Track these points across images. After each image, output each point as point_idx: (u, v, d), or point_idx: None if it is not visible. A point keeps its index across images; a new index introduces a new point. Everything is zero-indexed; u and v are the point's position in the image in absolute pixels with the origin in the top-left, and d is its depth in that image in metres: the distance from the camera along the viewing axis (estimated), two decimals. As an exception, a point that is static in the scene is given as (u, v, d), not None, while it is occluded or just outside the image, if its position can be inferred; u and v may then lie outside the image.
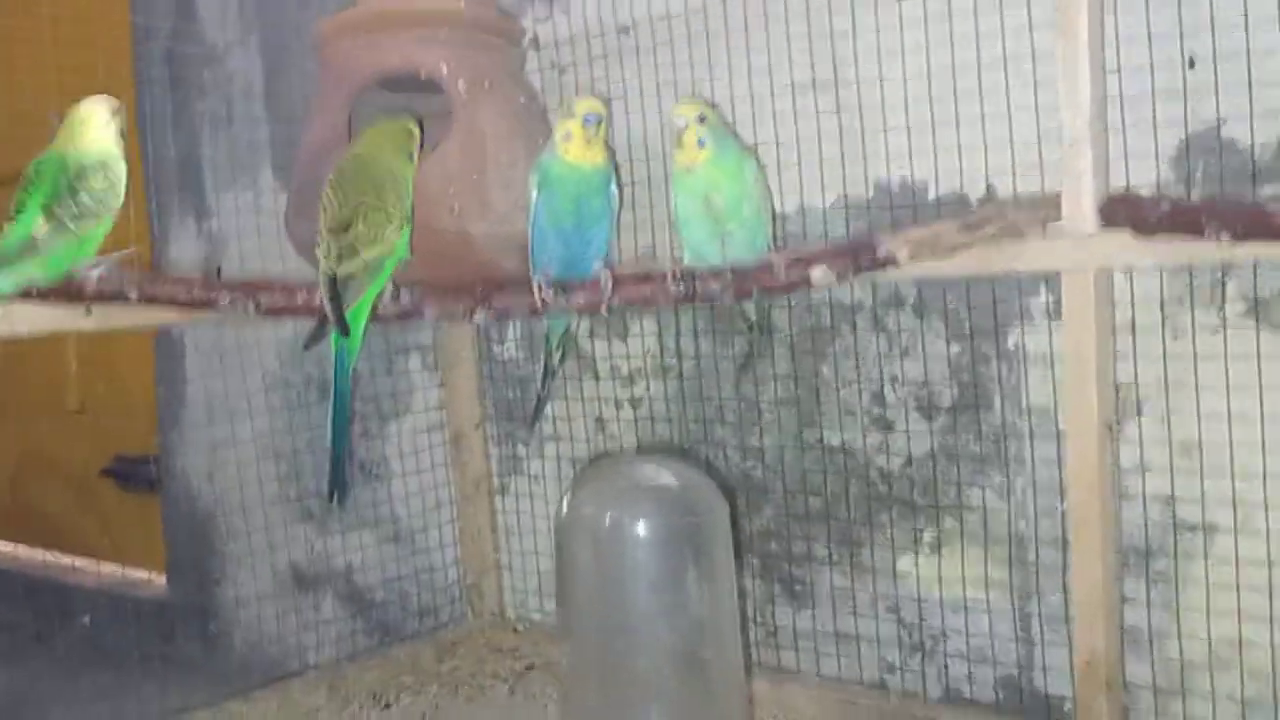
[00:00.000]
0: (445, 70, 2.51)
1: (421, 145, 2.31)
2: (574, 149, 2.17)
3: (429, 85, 2.55)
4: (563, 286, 2.15)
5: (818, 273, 2.11)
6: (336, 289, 2.03)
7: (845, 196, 2.54)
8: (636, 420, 2.94)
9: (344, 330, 2.02)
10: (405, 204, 2.16)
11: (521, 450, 3.16)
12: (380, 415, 3.57)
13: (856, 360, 2.57)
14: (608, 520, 2.00)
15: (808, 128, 2.56)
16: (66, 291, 2.10)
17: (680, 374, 2.84)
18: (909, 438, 2.51)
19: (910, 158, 2.42)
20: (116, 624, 4.32)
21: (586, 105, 2.16)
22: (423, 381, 3.42)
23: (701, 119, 2.15)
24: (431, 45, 2.52)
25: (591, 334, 3.00)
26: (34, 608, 4.48)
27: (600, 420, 3.00)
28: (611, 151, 2.28)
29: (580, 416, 3.03)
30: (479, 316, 2.14)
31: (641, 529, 2.00)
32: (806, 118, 2.56)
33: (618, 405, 2.98)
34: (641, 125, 2.78)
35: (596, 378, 3.01)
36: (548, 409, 3.06)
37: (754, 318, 2.41)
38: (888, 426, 2.54)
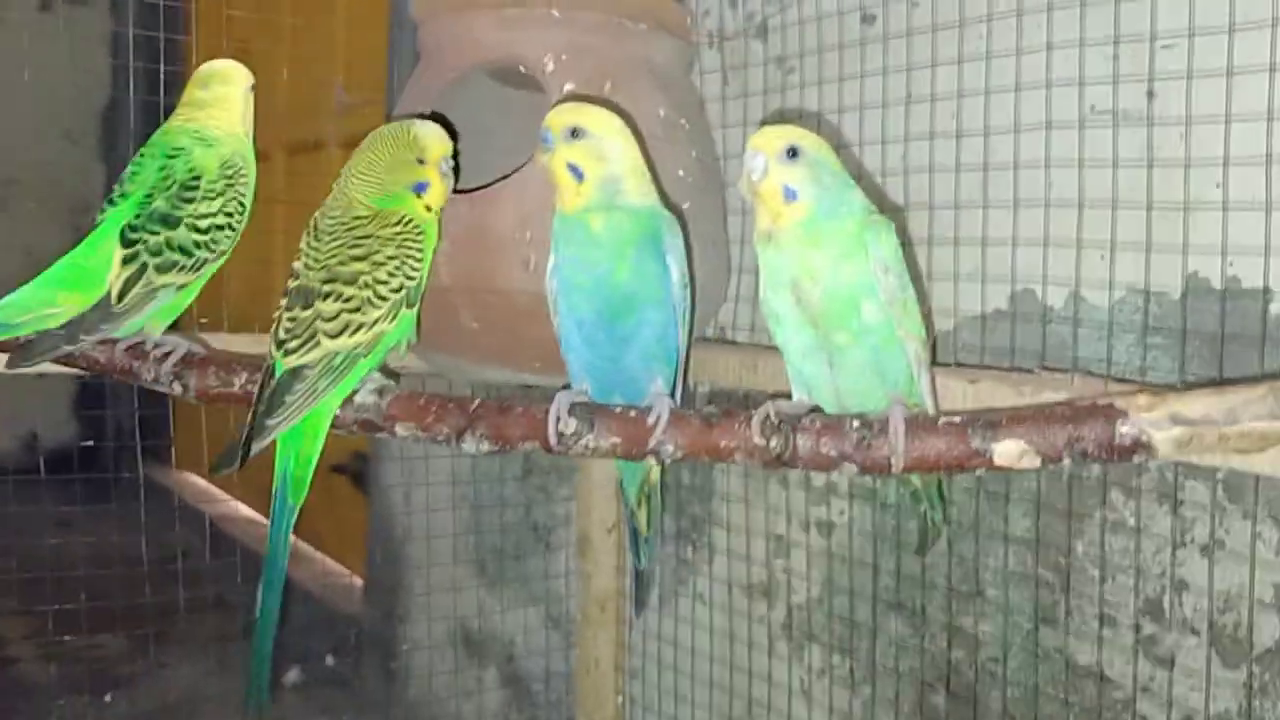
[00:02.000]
0: (549, 64, 1.79)
1: (456, 165, 1.61)
2: (565, 197, 1.41)
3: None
4: (592, 414, 1.37)
5: (1008, 449, 1.23)
6: (273, 389, 1.39)
7: (1148, 294, 1.59)
8: (826, 551, 2.12)
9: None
10: (413, 271, 1.47)
11: (681, 566, 2.41)
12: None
13: (1134, 545, 1.63)
14: None
15: (1098, 182, 1.63)
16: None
17: (885, 502, 1.99)
18: (1202, 684, 1.55)
19: (1238, 250, 1.46)
20: (315, 630, 4.17)
21: (554, 117, 1.40)
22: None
23: (792, 153, 1.31)
24: (536, 28, 1.81)
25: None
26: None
27: (782, 541, 2.20)
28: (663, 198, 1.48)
29: (760, 532, 2.23)
30: (469, 445, 1.42)
31: None
32: (1099, 167, 1.63)
33: (805, 526, 2.16)
34: (880, 149, 1.93)
35: (784, 484, 2.21)
36: (717, 515, 2.30)
37: (924, 496, 1.53)
38: (1166, 662, 1.59)
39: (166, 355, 1.55)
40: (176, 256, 1.51)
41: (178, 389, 1.52)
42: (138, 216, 1.53)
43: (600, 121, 1.40)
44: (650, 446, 1.34)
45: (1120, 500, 1.67)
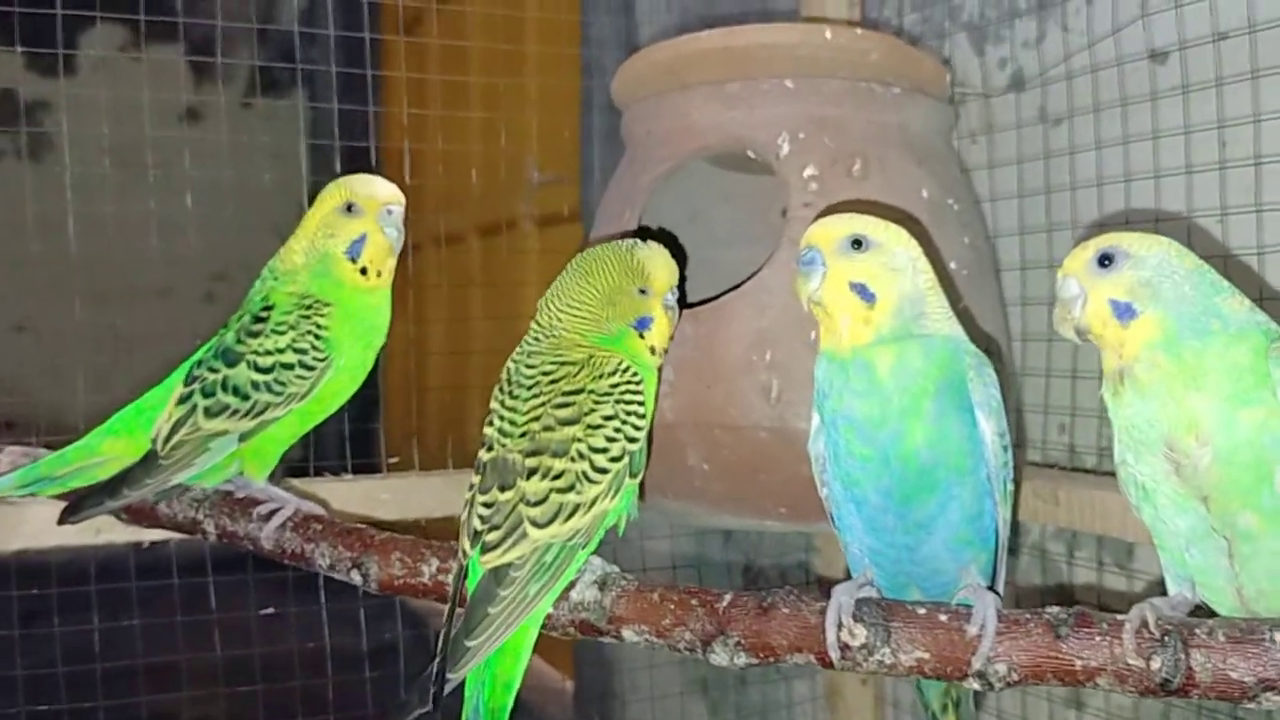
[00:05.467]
0: (784, 146, 1.46)
1: (682, 296, 1.30)
2: (845, 327, 1.06)
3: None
4: (887, 618, 1.02)
5: None
6: (472, 598, 1.09)
7: None
8: (1134, 709, 1.69)
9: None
10: (635, 432, 1.16)
11: None
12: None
13: None
14: None
15: None
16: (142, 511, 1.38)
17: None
18: None
19: None
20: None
21: (821, 231, 1.08)
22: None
23: (1105, 261, 0.97)
24: (766, 103, 1.48)
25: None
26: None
27: (1073, 697, 1.78)
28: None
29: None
30: (720, 656, 1.08)
31: None
32: None
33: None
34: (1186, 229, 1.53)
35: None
36: None
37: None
38: None
39: (272, 514, 1.31)
40: (229, 399, 1.27)
41: (356, 578, 1.24)
42: (207, 352, 1.33)
43: (884, 228, 1.07)
44: (974, 668, 0.98)
45: None
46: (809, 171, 1.45)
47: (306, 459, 2.17)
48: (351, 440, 2.18)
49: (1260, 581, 0.95)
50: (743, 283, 1.43)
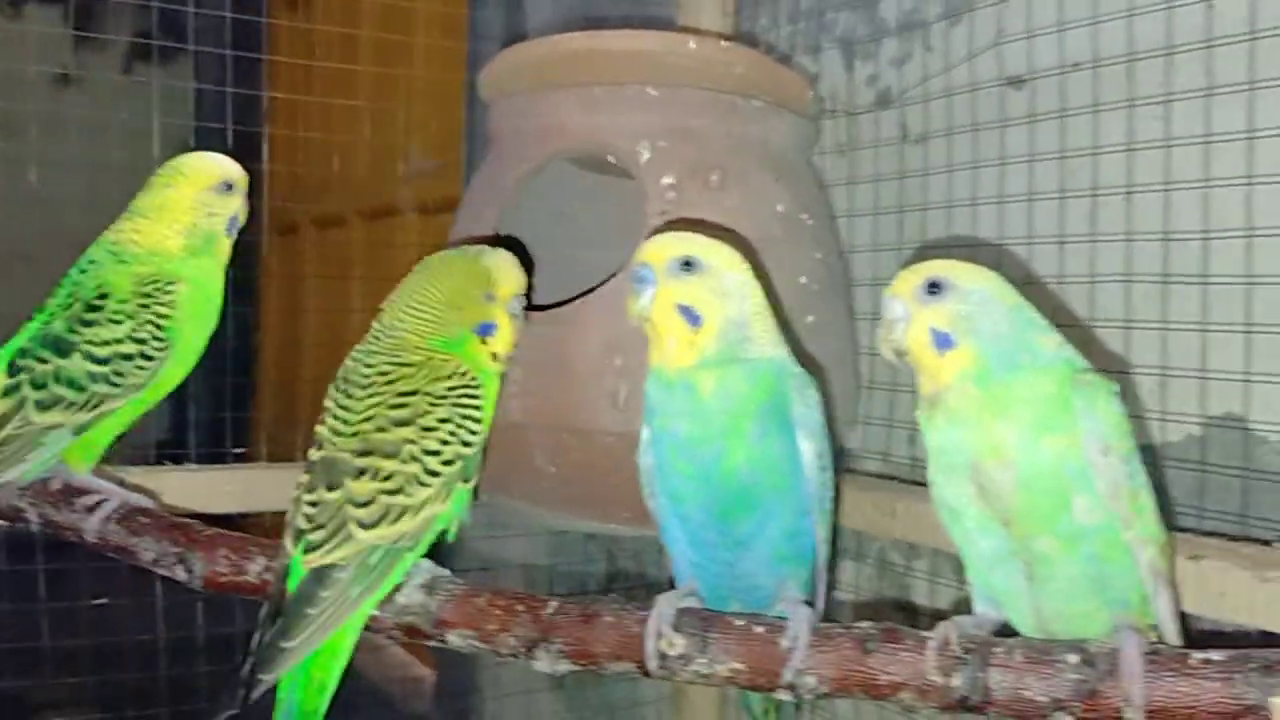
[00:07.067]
0: (643, 153, 1.47)
1: (529, 298, 1.30)
2: (671, 348, 1.08)
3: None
4: (705, 629, 1.04)
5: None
6: (291, 598, 1.07)
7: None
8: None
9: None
10: (470, 437, 1.16)
11: None
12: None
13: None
14: None
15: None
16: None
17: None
18: None
19: None
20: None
21: (654, 250, 1.09)
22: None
23: (934, 288, 1.00)
24: (628, 109, 1.49)
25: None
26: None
27: None
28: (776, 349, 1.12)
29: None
30: (543, 662, 1.09)
31: None
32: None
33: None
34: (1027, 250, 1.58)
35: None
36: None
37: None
38: None
39: (97, 505, 1.28)
40: (63, 391, 1.23)
41: (181, 573, 1.21)
42: (31, 340, 1.27)
43: (717, 251, 1.09)
44: (785, 679, 1.00)
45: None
46: (667, 180, 1.46)
47: (182, 444, 2.10)
48: (220, 428, 2.13)
49: (1056, 604, 0.99)
50: (594, 288, 1.44)
